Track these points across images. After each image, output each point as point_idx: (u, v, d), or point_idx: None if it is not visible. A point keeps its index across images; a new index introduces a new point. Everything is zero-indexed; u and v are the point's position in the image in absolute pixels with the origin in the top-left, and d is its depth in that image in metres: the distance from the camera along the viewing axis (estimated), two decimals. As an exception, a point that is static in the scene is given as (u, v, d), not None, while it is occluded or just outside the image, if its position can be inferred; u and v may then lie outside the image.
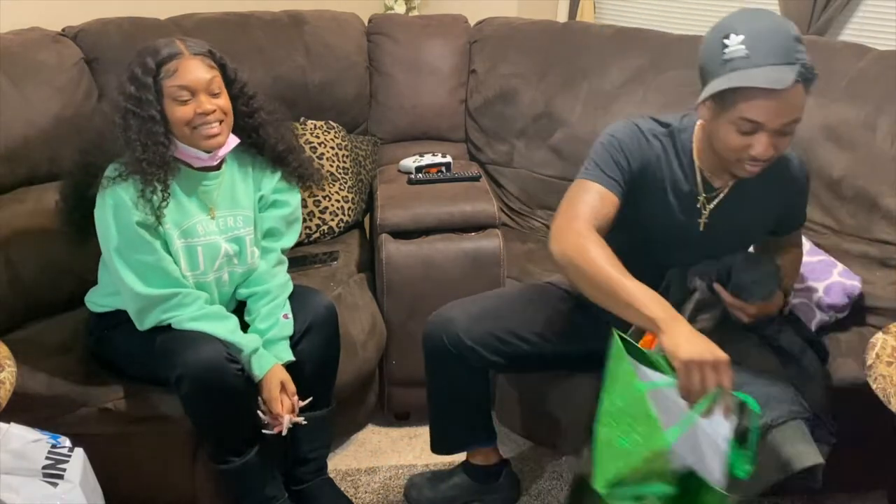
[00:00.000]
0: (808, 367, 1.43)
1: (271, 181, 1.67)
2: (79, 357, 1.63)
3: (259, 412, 1.53)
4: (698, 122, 1.41)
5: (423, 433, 2.08)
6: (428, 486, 1.81)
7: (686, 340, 1.14)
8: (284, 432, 1.53)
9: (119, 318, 1.55)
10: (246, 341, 1.52)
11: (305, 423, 1.57)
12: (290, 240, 1.73)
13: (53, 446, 1.26)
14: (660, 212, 1.41)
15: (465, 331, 1.53)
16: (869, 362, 1.33)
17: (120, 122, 1.43)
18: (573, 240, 1.27)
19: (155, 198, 1.44)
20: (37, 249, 1.74)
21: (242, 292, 1.65)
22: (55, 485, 1.22)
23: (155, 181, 1.43)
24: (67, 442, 1.28)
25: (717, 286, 1.42)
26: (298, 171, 1.69)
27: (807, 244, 1.80)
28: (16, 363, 1.33)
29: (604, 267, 1.22)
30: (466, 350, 1.54)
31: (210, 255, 1.56)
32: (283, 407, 1.53)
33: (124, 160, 1.45)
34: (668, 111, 2.18)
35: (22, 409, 1.35)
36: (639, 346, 1.42)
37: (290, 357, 1.58)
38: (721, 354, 1.13)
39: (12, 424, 1.23)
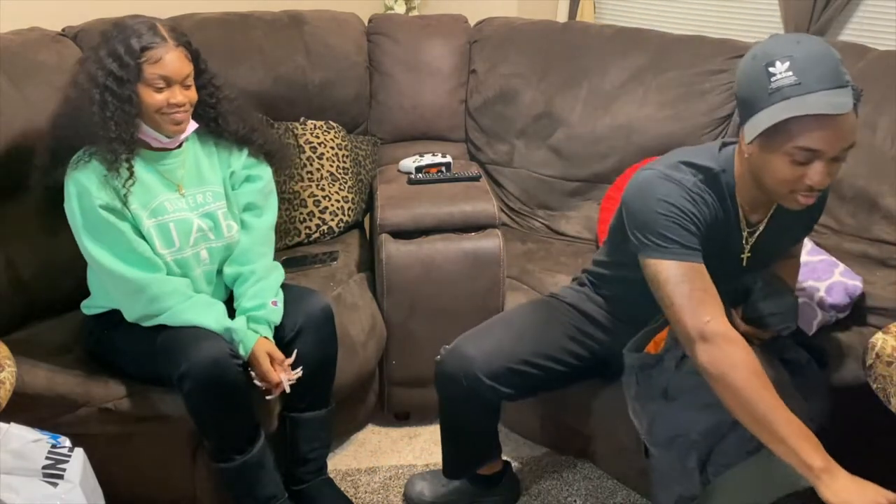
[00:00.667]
0: (812, 377, 1.43)
1: (240, 158, 1.69)
2: (79, 357, 1.62)
3: (256, 383, 1.55)
4: (736, 156, 1.33)
5: (423, 433, 2.09)
6: (428, 487, 1.81)
7: (855, 495, 1.07)
8: (288, 390, 1.56)
9: (117, 318, 1.55)
10: (236, 326, 1.53)
11: (301, 374, 1.59)
12: (271, 215, 1.74)
13: (53, 446, 1.25)
14: (709, 259, 1.31)
15: (483, 369, 1.51)
16: (869, 362, 1.33)
17: (98, 98, 1.44)
18: (723, 350, 1.19)
19: (121, 176, 1.46)
20: (37, 249, 1.74)
21: (228, 272, 1.66)
22: (55, 485, 1.22)
23: (123, 160, 1.46)
24: (67, 442, 1.28)
25: (733, 313, 1.42)
26: (265, 148, 1.72)
27: (808, 244, 1.80)
28: (16, 363, 1.33)
29: (761, 393, 1.15)
30: (484, 388, 1.52)
31: (183, 230, 1.56)
32: (277, 375, 1.55)
33: (88, 147, 1.47)
34: (667, 111, 2.21)
35: (22, 409, 1.35)
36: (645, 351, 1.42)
37: (269, 334, 1.59)
38: (891, 495, 1.07)
39: (12, 424, 1.23)
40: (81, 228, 1.47)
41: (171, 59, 1.47)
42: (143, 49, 1.45)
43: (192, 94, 1.53)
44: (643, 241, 1.29)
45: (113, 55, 1.44)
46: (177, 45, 1.49)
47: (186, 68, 1.50)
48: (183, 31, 1.54)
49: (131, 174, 1.48)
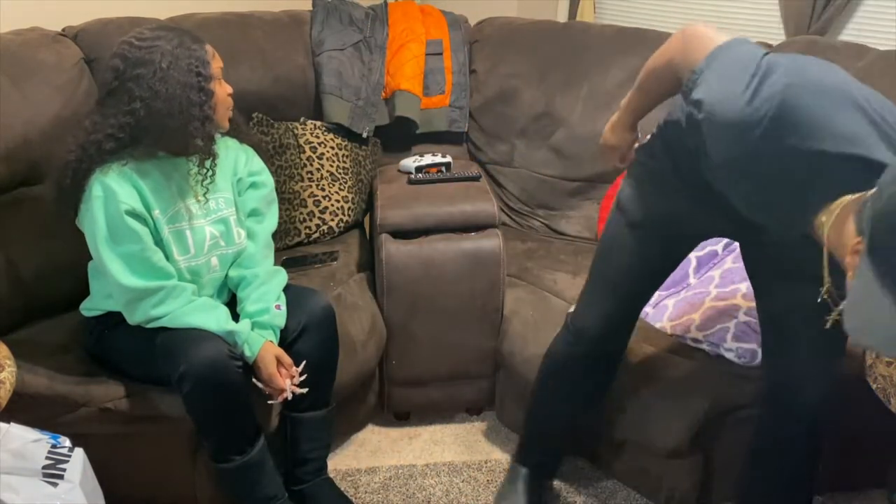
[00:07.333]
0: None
1: (246, 164, 1.71)
2: (79, 357, 1.63)
3: (257, 383, 1.56)
4: None
5: (423, 433, 2.09)
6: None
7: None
8: (290, 398, 1.57)
9: (117, 318, 1.55)
10: (238, 328, 1.53)
11: (307, 390, 1.59)
12: (272, 221, 1.75)
13: (53, 446, 1.26)
14: None
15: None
16: (869, 362, 1.33)
17: (197, 98, 1.47)
18: None
19: (204, 168, 1.53)
20: (37, 249, 1.74)
21: (232, 275, 1.66)
22: (55, 485, 1.22)
23: (212, 154, 1.53)
24: (67, 442, 1.28)
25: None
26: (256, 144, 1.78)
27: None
28: (16, 363, 1.33)
29: None
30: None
31: (198, 237, 1.58)
32: (283, 380, 1.56)
33: (122, 154, 1.47)
34: (668, 110, 2.20)
35: (22, 409, 1.35)
36: None
37: (274, 340, 1.59)
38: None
39: (12, 424, 1.23)
40: (102, 235, 1.46)
41: (215, 53, 1.54)
42: (202, 50, 1.51)
43: None
44: None
45: (194, 58, 1.48)
46: None
47: None
48: None
49: (213, 165, 1.54)
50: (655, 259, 1.47)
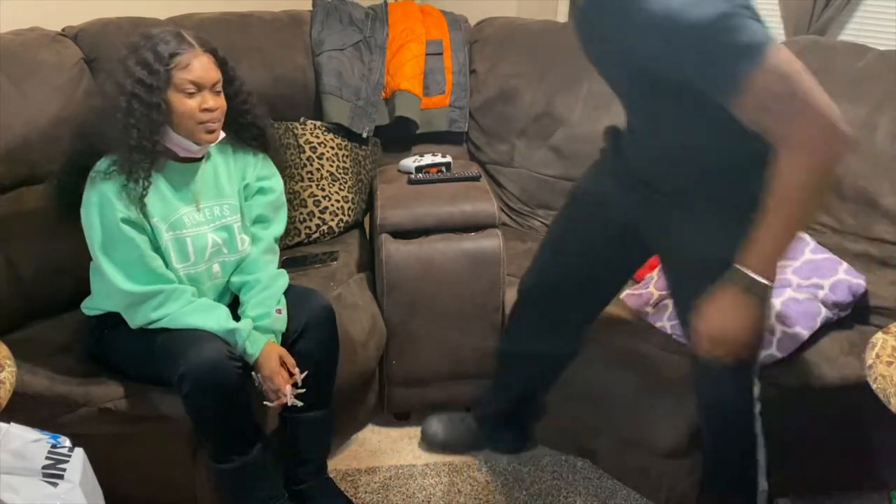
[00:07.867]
0: None
1: (255, 169, 1.69)
2: (79, 357, 1.62)
3: (255, 376, 1.54)
4: None
5: (423, 433, 2.08)
6: (442, 429, 1.98)
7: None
8: (290, 403, 1.54)
9: (117, 319, 1.55)
10: (239, 326, 1.52)
11: (302, 404, 1.57)
12: (279, 227, 1.74)
13: (53, 446, 1.25)
14: None
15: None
16: (869, 362, 1.33)
17: (124, 105, 1.43)
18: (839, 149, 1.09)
19: (138, 185, 1.45)
20: (37, 249, 1.74)
21: (234, 280, 1.66)
22: (55, 485, 1.22)
23: (141, 170, 1.45)
24: (67, 442, 1.28)
25: None
26: (277, 154, 1.76)
27: (811, 242, 1.80)
28: (16, 363, 1.33)
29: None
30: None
31: (199, 245, 1.57)
32: (284, 380, 1.54)
33: (110, 156, 1.46)
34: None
35: (22, 409, 1.35)
36: None
37: (277, 342, 1.59)
38: None
39: (12, 424, 1.23)
40: (99, 242, 1.46)
41: (200, 65, 1.47)
42: (172, 55, 1.45)
43: (222, 101, 1.52)
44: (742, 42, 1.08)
45: (142, 63, 1.44)
46: (204, 52, 1.49)
47: (215, 74, 1.50)
48: (209, 40, 1.53)
49: (148, 183, 1.47)
50: (577, 230, 1.62)
